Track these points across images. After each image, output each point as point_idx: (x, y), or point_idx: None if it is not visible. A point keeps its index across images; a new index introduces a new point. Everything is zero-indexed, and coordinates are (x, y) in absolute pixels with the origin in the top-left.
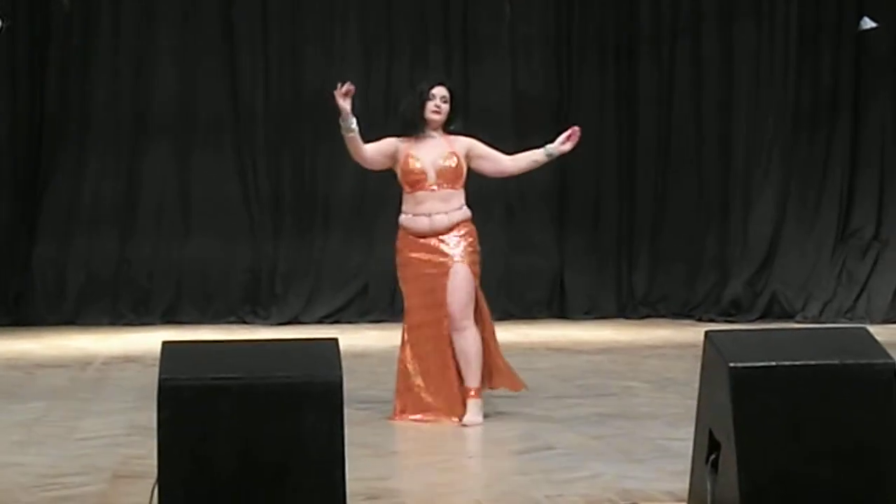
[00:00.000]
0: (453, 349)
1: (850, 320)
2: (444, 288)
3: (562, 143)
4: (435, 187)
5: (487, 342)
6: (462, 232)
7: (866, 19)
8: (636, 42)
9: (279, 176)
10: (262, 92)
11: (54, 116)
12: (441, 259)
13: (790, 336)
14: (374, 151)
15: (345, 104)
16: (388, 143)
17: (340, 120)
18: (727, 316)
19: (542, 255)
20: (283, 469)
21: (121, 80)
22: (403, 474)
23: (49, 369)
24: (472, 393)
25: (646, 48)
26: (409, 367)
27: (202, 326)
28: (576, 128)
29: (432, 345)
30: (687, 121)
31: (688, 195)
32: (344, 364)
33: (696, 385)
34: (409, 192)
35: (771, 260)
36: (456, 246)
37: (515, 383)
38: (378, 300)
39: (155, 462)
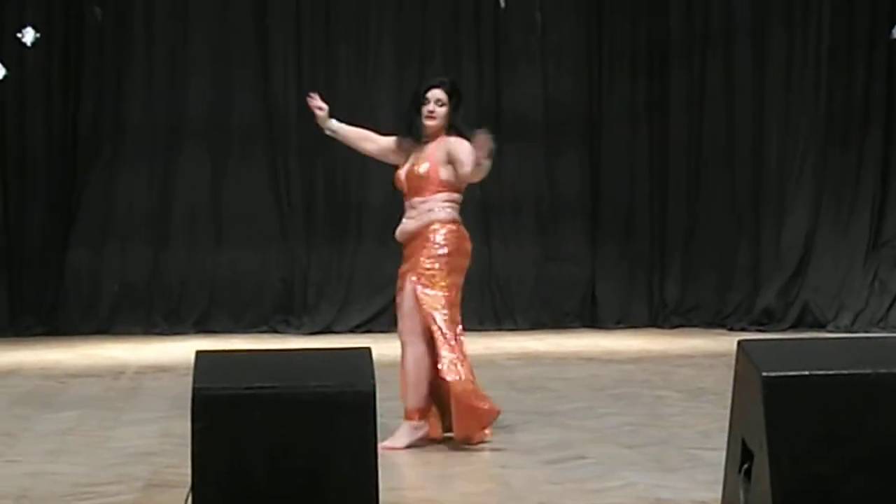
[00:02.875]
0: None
1: (883, 330)
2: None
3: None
4: (407, 195)
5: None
6: (428, 238)
7: None
8: (667, 51)
9: (312, 185)
10: (295, 101)
11: (88, 127)
12: (407, 266)
13: (823, 345)
14: (380, 147)
15: (318, 121)
16: (392, 142)
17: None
18: (759, 325)
19: (575, 265)
20: (316, 478)
21: (154, 89)
22: (436, 484)
23: (82, 379)
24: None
25: (677, 57)
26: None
27: (234, 336)
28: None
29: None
30: (718, 130)
31: (719, 205)
32: (377, 373)
33: (729, 394)
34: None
35: (803, 269)
36: (410, 256)
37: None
38: None
39: (188, 471)
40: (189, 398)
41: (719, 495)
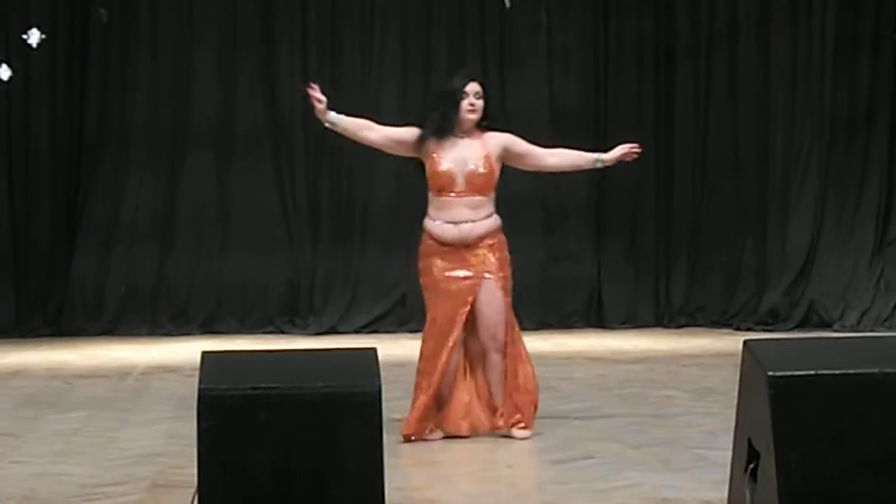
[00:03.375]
0: (476, 366)
1: (889, 329)
2: (469, 303)
3: (612, 157)
4: (463, 193)
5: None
6: (491, 243)
7: None
8: (673, 51)
9: (317, 187)
10: (301, 104)
11: (94, 130)
12: (468, 273)
13: (829, 345)
14: (386, 137)
15: (317, 113)
16: (409, 133)
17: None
18: (765, 325)
19: (580, 265)
20: (322, 479)
21: (159, 93)
22: (442, 484)
23: (88, 380)
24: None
25: (683, 56)
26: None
27: (240, 337)
28: (635, 146)
29: (453, 357)
30: (724, 130)
31: (725, 204)
32: (382, 374)
33: (735, 394)
34: (434, 196)
35: (809, 269)
36: (484, 260)
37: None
38: (416, 310)
39: (194, 472)
40: (195, 399)
41: (725, 495)
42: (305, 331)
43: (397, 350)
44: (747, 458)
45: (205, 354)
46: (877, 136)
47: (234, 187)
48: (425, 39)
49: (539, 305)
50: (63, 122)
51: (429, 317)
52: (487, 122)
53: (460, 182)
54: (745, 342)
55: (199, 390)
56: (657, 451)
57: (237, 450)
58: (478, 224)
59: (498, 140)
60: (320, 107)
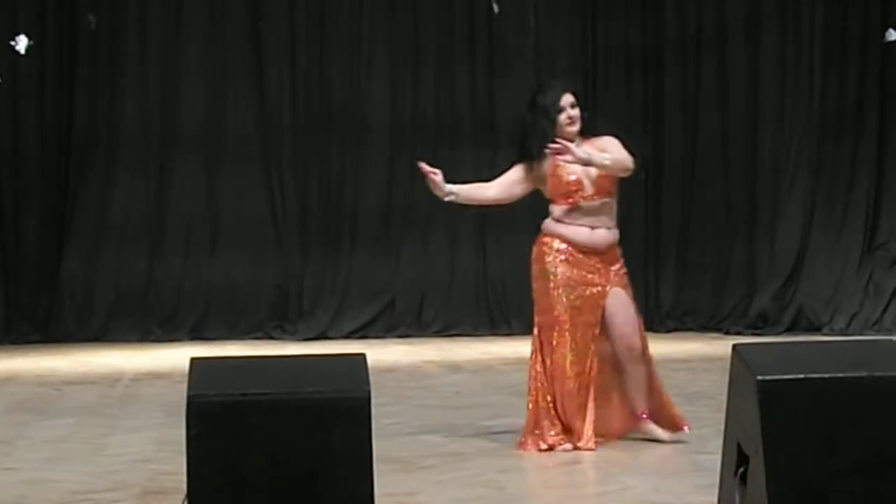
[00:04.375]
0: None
1: (878, 332)
2: (597, 309)
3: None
4: (595, 197)
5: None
6: (617, 253)
7: (891, 31)
8: (661, 53)
9: (306, 191)
10: (290, 107)
11: (82, 133)
12: (597, 278)
13: (818, 348)
14: (502, 188)
15: (434, 189)
16: (519, 170)
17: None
18: (754, 329)
19: None
20: (312, 484)
21: (148, 96)
22: (432, 489)
23: (78, 386)
24: (646, 415)
25: (671, 58)
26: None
27: (230, 342)
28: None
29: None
30: (712, 132)
31: (714, 207)
32: (371, 379)
33: (724, 398)
34: (562, 203)
35: (798, 272)
36: (610, 266)
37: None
38: (405, 315)
39: (184, 478)
40: (184, 405)
41: (715, 499)
42: (294, 336)
43: (386, 356)
44: (737, 462)
45: (194, 361)
46: (865, 137)
47: (222, 192)
48: (414, 43)
49: (529, 309)
50: (52, 127)
51: (551, 319)
52: (589, 126)
53: (588, 187)
54: (734, 346)
55: (189, 396)
56: (647, 455)
57: (227, 456)
58: (612, 231)
59: (603, 142)
60: (437, 180)
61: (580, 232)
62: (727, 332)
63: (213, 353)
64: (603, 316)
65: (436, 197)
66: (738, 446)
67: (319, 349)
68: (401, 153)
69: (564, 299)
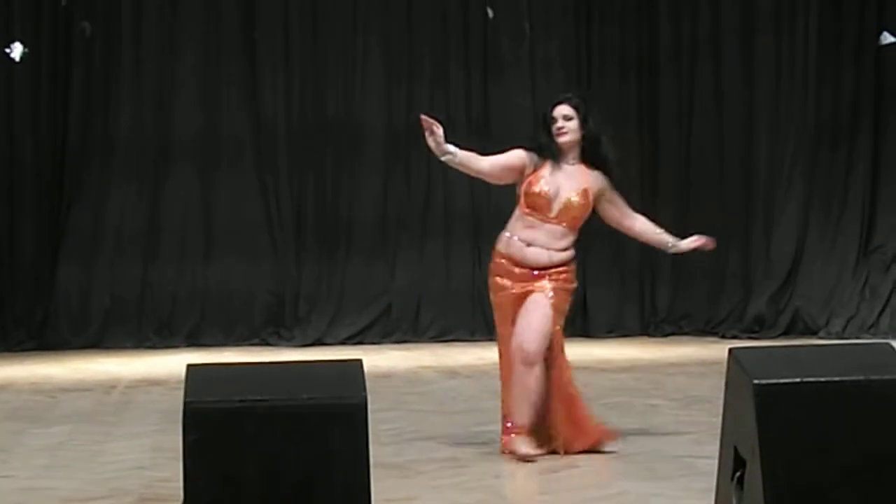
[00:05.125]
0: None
1: (874, 336)
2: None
3: (686, 245)
4: (553, 220)
5: (574, 397)
6: (560, 270)
7: (886, 34)
8: (656, 59)
9: (301, 198)
10: (284, 114)
11: (77, 143)
12: (524, 284)
13: (814, 352)
14: (493, 164)
15: (434, 144)
16: (515, 156)
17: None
18: (750, 333)
19: None
20: (309, 490)
21: (143, 104)
22: (429, 495)
23: (73, 393)
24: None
25: (666, 64)
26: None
27: (226, 349)
28: (708, 242)
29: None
30: (708, 137)
31: (709, 212)
32: (368, 385)
33: (721, 402)
34: (524, 213)
35: (793, 276)
36: (543, 282)
37: (603, 436)
38: (401, 321)
39: (180, 485)
40: (180, 412)
41: (712, 503)
42: (291, 342)
43: (382, 361)
44: (733, 466)
45: (190, 367)
46: (860, 143)
47: (218, 199)
48: (408, 50)
49: None
50: (47, 135)
51: (498, 333)
52: (591, 140)
53: (554, 209)
54: (730, 350)
55: (185, 403)
56: (643, 459)
57: (223, 463)
58: (550, 254)
59: (598, 178)
60: (439, 133)
61: (514, 247)
62: (723, 336)
63: (209, 360)
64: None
65: (432, 153)
66: (735, 450)
67: (315, 355)
68: (396, 160)
69: (501, 311)
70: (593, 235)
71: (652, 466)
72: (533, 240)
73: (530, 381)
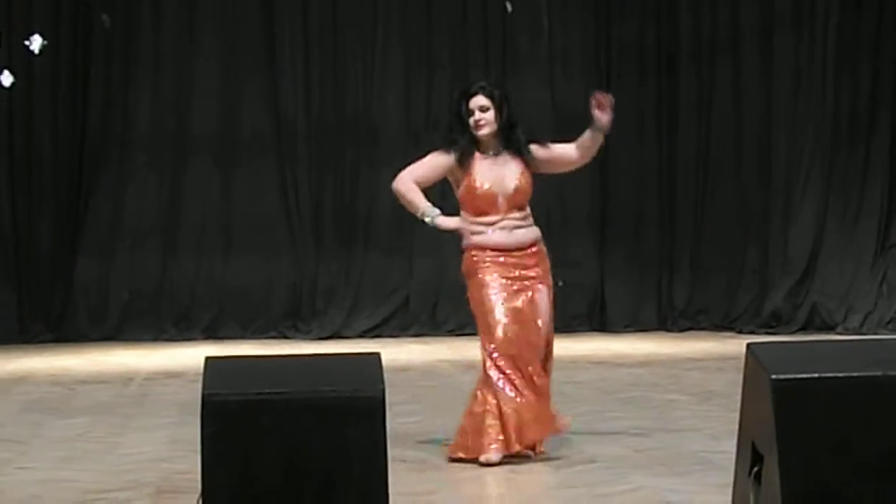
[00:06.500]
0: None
1: (892, 332)
2: (530, 304)
3: (598, 116)
4: (505, 212)
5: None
6: (541, 249)
7: None
8: (675, 55)
9: (320, 191)
10: (304, 108)
11: (96, 135)
12: (525, 273)
13: (832, 347)
14: (425, 183)
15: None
16: (438, 166)
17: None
18: (768, 328)
19: (583, 269)
20: (327, 483)
21: (162, 96)
22: (447, 489)
23: (91, 385)
24: None
25: (685, 60)
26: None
27: (243, 342)
28: (598, 95)
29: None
30: (726, 133)
31: (728, 207)
32: (386, 378)
33: (738, 397)
34: (474, 216)
35: (811, 271)
36: (536, 265)
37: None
38: (419, 314)
39: (198, 477)
40: (198, 404)
41: (729, 499)
42: (308, 336)
43: (401, 355)
44: (751, 462)
45: (209, 360)
46: (879, 139)
47: (236, 192)
48: (427, 45)
49: None
50: (66, 127)
51: (490, 323)
52: (511, 127)
53: (502, 203)
54: (748, 345)
55: (204, 395)
56: (660, 454)
57: (241, 455)
58: (528, 229)
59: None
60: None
61: (498, 236)
62: (741, 332)
63: (226, 353)
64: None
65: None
66: (753, 445)
67: (333, 348)
68: (414, 154)
69: (502, 300)
70: (612, 231)
71: (669, 461)
72: (505, 227)
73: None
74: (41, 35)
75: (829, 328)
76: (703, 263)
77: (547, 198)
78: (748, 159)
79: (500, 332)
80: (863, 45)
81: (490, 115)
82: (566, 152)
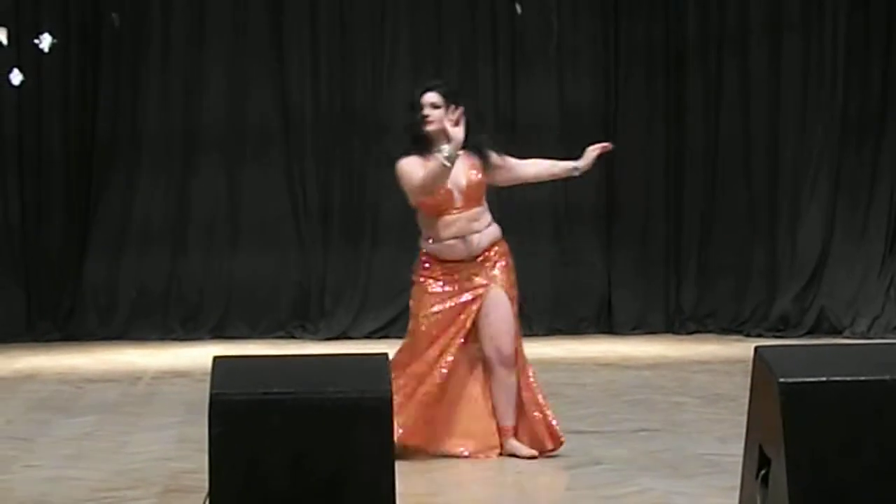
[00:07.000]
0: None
1: None
2: (473, 315)
3: (590, 157)
4: (463, 208)
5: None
6: (497, 250)
7: None
8: (684, 55)
9: (328, 190)
10: (312, 106)
11: (105, 134)
12: (473, 283)
13: (840, 351)
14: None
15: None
16: (418, 167)
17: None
18: (775, 331)
19: (590, 271)
20: (334, 484)
21: (171, 96)
22: (453, 489)
23: (99, 384)
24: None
25: (693, 61)
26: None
27: (251, 341)
28: (605, 145)
29: (453, 378)
30: (734, 134)
31: (735, 209)
32: None
33: (746, 400)
34: (433, 217)
35: (819, 275)
36: (492, 269)
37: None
38: None
39: (205, 476)
40: (206, 403)
41: (736, 501)
42: (316, 336)
43: None
44: (758, 465)
45: (216, 359)
46: (888, 140)
47: (245, 191)
48: (436, 44)
49: (548, 311)
50: (74, 126)
51: (414, 334)
52: (470, 143)
53: (458, 198)
54: (756, 348)
55: (211, 395)
56: (667, 457)
57: (249, 455)
58: (483, 234)
59: (478, 154)
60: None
61: (454, 248)
62: (748, 335)
63: (234, 352)
64: (478, 315)
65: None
66: (760, 448)
67: (341, 348)
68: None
69: (436, 315)
70: (619, 234)
71: (676, 464)
72: (460, 231)
73: (513, 381)
74: (50, 34)
75: (837, 332)
76: (711, 266)
77: (553, 200)
78: (756, 160)
79: None
80: (872, 44)
81: (439, 112)
82: (521, 167)
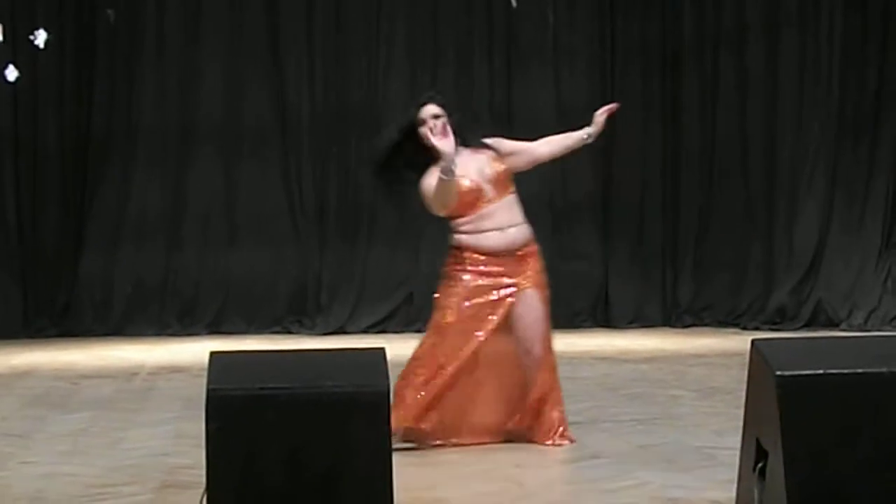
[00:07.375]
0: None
1: None
2: (505, 311)
3: (599, 121)
4: (496, 199)
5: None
6: (531, 251)
7: None
8: (680, 51)
9: (324, 185)
10: (308, 101)
11: (101, 127)
12: (507, 281)
13: (837, 344)
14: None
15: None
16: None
17: (451, 165)
18: (772, 324)
19: (587, 264)
20: (331, 479)
21: (166, 91)
22: (450, 484)
23: (95, 380)
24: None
25: (690, 57)
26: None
27: (247, 336)
28: (613, 106)
29: (479, 370)
30: (731, 129)
31: (732, 204)
32: (390, 373)
33: (743, 394)
34: (468, 213)
35: (816, 268)
36: (526, 268)
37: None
38: (423, 309)
39: (202, 472)
40: (202, 399)
41: (733, 494)
42: (313, 331)
43: (405, 350)
44: (755, 458)
45: (213, 355)
46: (884, 135)
47: (240, 187)
48: (432, 40)
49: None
50: (70, 121)
51: (443, 323)
52: (465, 138)
53: (488, 189)
54: (752, 341)
55: (208, 390)
56: (664, 450)
57: (246, 450)
58: (520, 229)
59: (486, 150)
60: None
61: (490, 238)
62: (745, 328)
63: (231, 348)
64: (510, 315)
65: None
66: (757, 441)
67: (338, 343)
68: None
69: (462, 311)
70: (616, 227)
71: (673, 457)
72: (499, 224)
73: (535, 379)
74: (45, 29)
75: (834, 325)
76: (708, 259)
77: (551, 192)
78: (753, 156)
79: None
80: (868, 42)
81: (442, 121)
82: (535, 148)
